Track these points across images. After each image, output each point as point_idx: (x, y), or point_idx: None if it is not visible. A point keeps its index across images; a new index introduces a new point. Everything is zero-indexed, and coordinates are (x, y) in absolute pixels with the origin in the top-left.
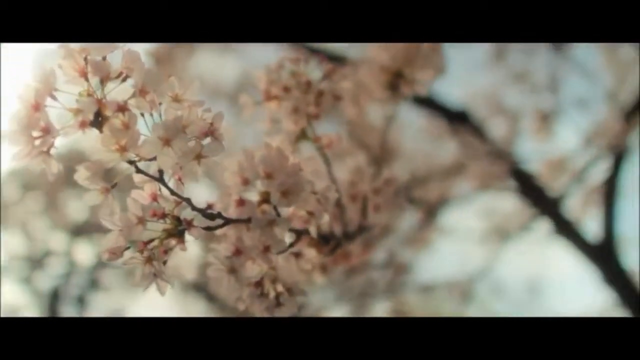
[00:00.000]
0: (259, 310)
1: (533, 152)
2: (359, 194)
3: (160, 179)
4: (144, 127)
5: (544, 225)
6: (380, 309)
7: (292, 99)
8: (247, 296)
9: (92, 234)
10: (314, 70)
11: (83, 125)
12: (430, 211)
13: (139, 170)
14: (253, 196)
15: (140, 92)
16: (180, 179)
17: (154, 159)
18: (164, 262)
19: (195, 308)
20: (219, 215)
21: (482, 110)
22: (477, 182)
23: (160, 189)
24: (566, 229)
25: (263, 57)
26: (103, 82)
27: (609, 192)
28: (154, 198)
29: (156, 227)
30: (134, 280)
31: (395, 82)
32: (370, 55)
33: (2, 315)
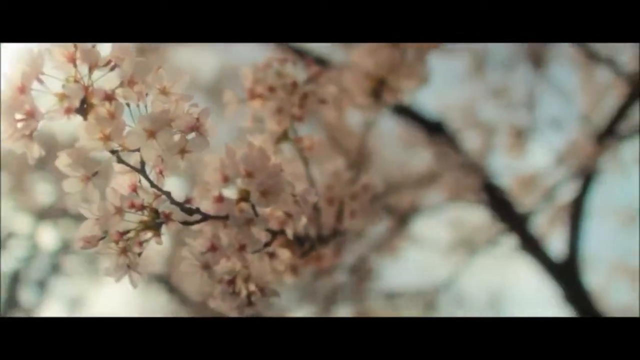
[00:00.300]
0: (229, 309)
1: (505, 167)
2: (335, 198)
3: (141, 170)
4: (128, 118)
5: (511, 241)
6: (344, 313)
7: (277, 99)
8: (218, 293)
9: (57, 219)
10: (300, 72)
11: (68, 111)
12: (402, 219)
13: (120, 161)
14: (230, 193)
15: (129, 82)
16: (161, 172)
17: (138, 150)
18: (139, 254)
19: (156, 299)
20: (198, 210)
21: (458, 122)
22: (449, 193)
23: (140, 181)
24: (531, 246)
25: (242, 52)
26: (91, 69)
27: (576, 212)
28: (134, 189)
29: (133, 219)
30: (106, 270)
31: (379, 89)
32: (355, 61)
33: None
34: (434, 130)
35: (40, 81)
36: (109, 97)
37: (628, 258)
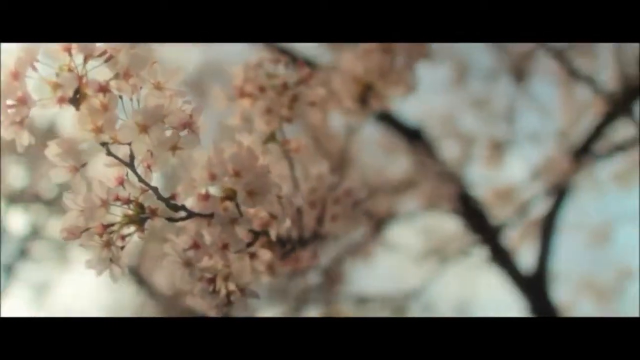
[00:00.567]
0: (208, 307)
1: (481, 179)
2: (318, 202)
3: (130, 164)
4: (119, 111)
5: (482, 252)
6: (313, 315)
7: (266, 99)
8: (198, 291)
9: (28, 204)
10: (291, 74)
11: (62, 100)
12: (377, 224)
13: (109, 153)
14: (213, 191)
15: (125, 74)
16: (149, 167)
17: (128, 144)
18: (122, 248)
19: (124, 290)
20: (183, 207)
21: (437, 131)
22: (425, 200)
23: (127, 174)
24: (501, 258)
25: (224, 48)
26: (86, 59)
27: (547, 227)
28: (120, 182)
29: (117, 212)
30: (89, 263)
31: (365, 94)
32: (344, 65)
33: None
34: (413, 137)
35: (35, 68)
36: (104, 89)
37: (596, 276)
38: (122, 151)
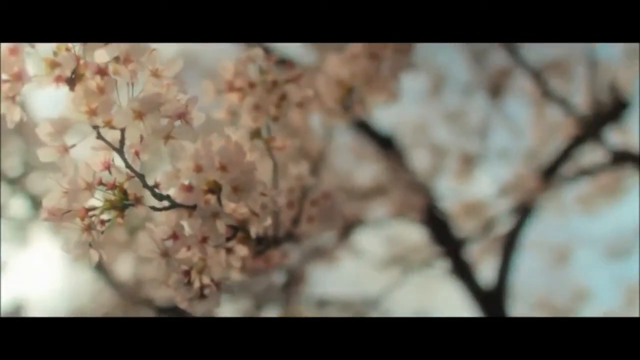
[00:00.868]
0: (181, 299)
1: (450, 191)
2: (295, 202)
3: (120, 149)
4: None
5: (444, 264)
6: (271, 314)
7: (255, 95)
8: (173, 282)
9: None
10: (282, 72)
11: (59, 79)
12: (345, 229)
13: (100, 137)
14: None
15: (125, 59)
16: (137, 154)
17: (121, 129)
18: (102, 233)
19: (81, 276)
20: (167, 197)
21: (409, 140)
22: (393, 209)
23: (113, 160)
24: (462, 272)
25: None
26: None
27: (510, 244)
28: (107, 167)
29: (99, 197)
30: (65, 246)
31: (348, 98)
32: (329, 67)
33: None
34: (385, 145)
35: (32, 45)
36: (102, 72)
37: (552, 295)
38: (111, 136)
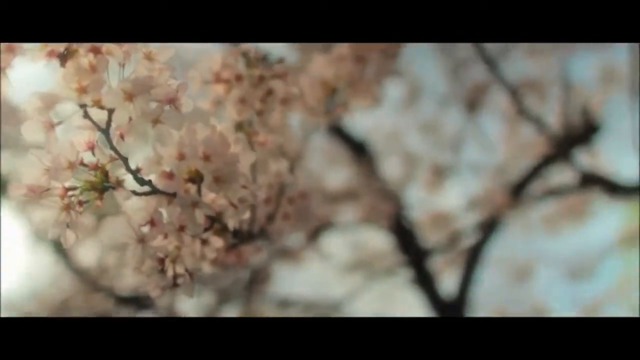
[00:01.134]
0: (153, 287)
1: (419, 201)
2: (272, 199)
3: (106, 130)
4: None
5: (407, 273)
6: (230, 313)
7: (242, 88)
8: (146, 269)
9: None
10: (269, 68)
11: (51, 54)
12: (313, 231)
13: (86, 116)
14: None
15: None
16: (122, 136)
17: (110, 109)
18: (80, 214)
19: (42, 259)
20: (149, 183)
21: (382, 147)
22: (361, 214)
23: (97, 141)
24: (425, 281)
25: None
26: None
27: (473, 257)
28: (90, 147)
29: (79, 177)
30: (41, 224)
31: (331, 100)
32: (314, 67)
33: None
34: (358, 150)
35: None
36: (96, 50)
37: (511, 309)
38: (96, 117)
